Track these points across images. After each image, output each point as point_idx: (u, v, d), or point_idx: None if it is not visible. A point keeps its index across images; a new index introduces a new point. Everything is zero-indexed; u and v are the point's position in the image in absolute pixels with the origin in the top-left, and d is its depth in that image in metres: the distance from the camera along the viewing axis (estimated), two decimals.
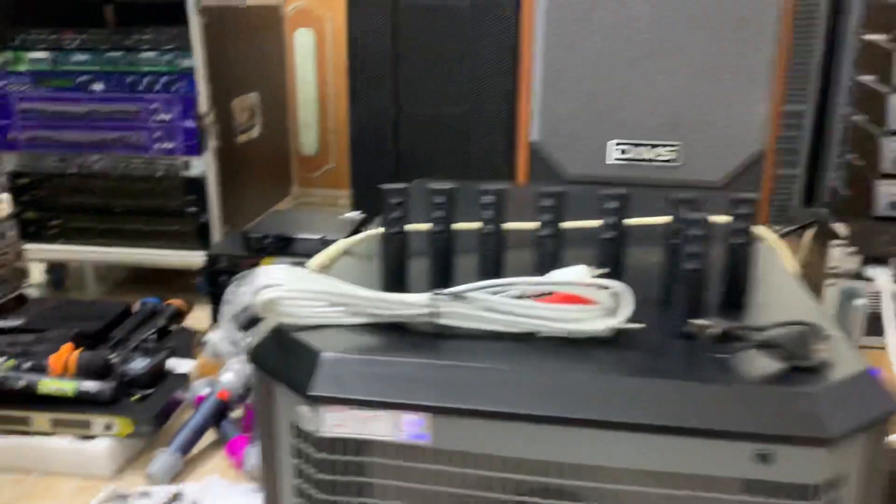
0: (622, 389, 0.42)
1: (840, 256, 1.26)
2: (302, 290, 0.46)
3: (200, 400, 1.58)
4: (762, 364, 0.43)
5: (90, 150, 1.93)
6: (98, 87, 1.85)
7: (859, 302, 1.22)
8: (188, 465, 1.45)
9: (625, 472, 0.42)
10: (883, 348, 1.22)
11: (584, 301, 0.46)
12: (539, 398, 0.42)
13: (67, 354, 1.31)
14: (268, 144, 2.59)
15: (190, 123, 2.11)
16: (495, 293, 0.46)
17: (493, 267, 0.53)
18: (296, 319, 0.47)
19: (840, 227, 1.31)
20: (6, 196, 1.88)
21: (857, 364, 0.44)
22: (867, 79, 1.28)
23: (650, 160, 1.15)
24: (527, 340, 0.46)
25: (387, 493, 0.45)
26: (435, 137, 2.39)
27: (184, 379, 1.64)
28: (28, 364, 1.30)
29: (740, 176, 1.13)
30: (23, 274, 1.77)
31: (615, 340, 0.46)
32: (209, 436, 1.53)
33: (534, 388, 0.42)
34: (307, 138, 3.08)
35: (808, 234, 1.46)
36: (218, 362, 1.73)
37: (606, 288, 0.45)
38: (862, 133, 1.27)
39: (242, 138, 2.38)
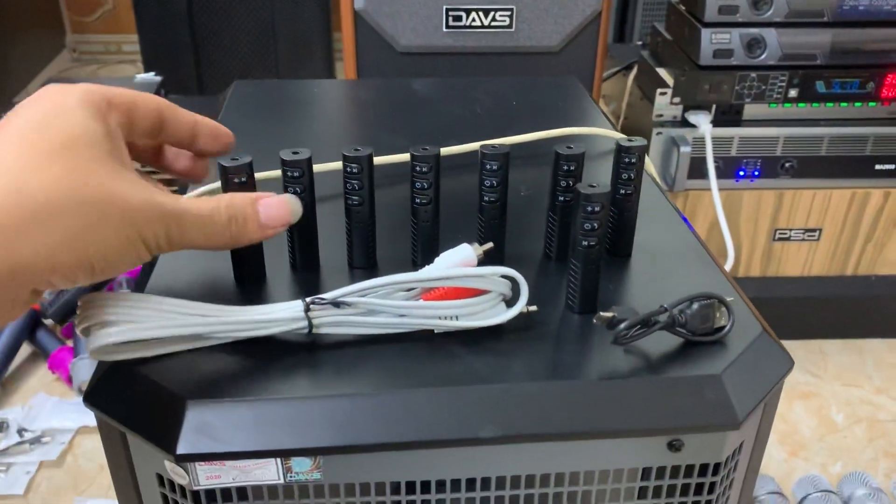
0: (531, 399, 0.38)
1: (664, 105, 1.28)
2: (147, 328, 0.37)
3: None
4: (665, 344, 0.41)
5: None
6: None
7: (685, 149, 1.26)
8: (6, 388, 1.32)
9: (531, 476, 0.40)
10: (707, 190, 1.29)
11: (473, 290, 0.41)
12: (440, 422, 0.38)
13: None
14: None
15: None
16: (381, 293, 0.40)
17: (365, 245, 0.46)
18: (139, 352, 0.39)
19: (664, 74, 1.32)
20: None
21: (754, 326, 0.43)
22: None
23: (485, 27, 1.08)
24: (419, 342, 0.41)
25: None
26: None
27: None
28: None
29: (577, 39, 1.09)
30: None
31: (512, 329, 0.42)
32: (24, 350, 1.39)
33: (434, 413, 0.38)
34: None
35: (631, 76, 1.47)
36: None
37: (504, 277, 0.41)
38: None
39: None
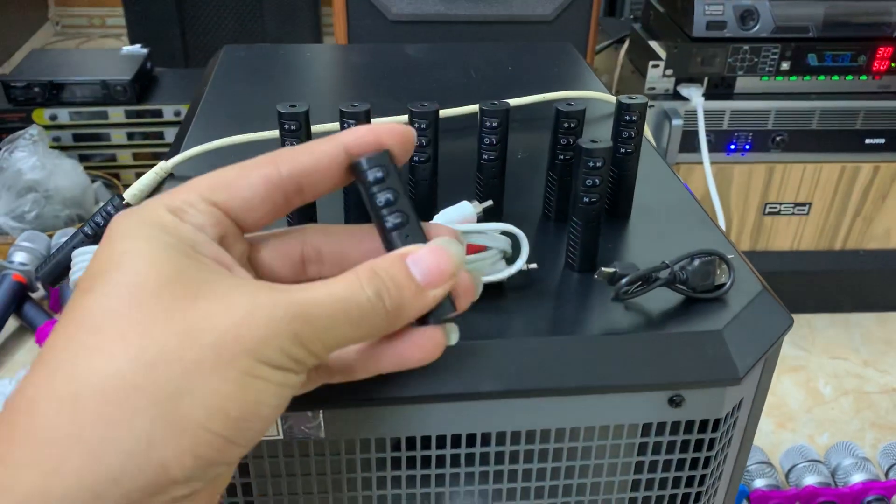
0: (531, 354, 0.38)
1: (656, 78, 1.28)
2: None
3: None
4: (666, 301, 0.41)
5: None
6: None
7: (677, 122, 1.25)
8: None
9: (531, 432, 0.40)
10: (699, 163, 1.29)
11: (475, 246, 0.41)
12: (440, 376, 0.37)
13: None
14: None
15: None
16: None
17: None
18: None
19: (656, 47, 1.31)
20: None
21: (754, 284, 0.43)
22: None
23: None
24: None
25: (276, 489, 0.40)
26: None
27: None
28: None
29: (570, 8, 1.08)
30: None
31: (512, 286, 0.42)
32: (11, 324, 1.38)
33: (435, 367, 0.37)
34: None
35: (623, 49, 1.46)
36: (3, 241, 1.52)
37: (506, 233, 0.40)
38: None
39: None
